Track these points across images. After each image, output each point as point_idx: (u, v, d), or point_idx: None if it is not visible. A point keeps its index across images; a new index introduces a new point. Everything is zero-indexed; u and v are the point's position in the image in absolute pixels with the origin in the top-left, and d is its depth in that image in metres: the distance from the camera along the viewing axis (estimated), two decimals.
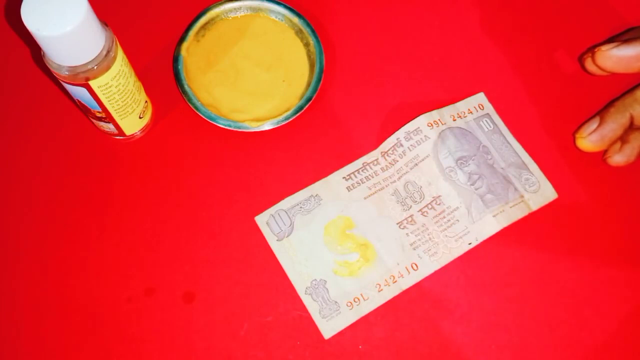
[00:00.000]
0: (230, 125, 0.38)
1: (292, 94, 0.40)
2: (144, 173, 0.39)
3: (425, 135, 0.39)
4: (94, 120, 0.37)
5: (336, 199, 0.38)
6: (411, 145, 0.39)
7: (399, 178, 0.38)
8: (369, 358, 0.35)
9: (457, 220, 0.37)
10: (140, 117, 0.38)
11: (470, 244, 0.37)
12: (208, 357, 0.35)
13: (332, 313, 0.36)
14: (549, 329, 0.36)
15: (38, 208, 0.38)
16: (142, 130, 0.39)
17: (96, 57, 0.31)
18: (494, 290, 0.37)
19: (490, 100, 0.40)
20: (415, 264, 0.37)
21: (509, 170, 0.38)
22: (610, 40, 0.40)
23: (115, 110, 0.35)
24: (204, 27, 0.41)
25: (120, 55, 0.33)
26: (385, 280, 0.36)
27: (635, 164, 0.38)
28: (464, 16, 0.43)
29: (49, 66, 0.32)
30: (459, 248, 0.37)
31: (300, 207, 0.38)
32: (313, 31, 0.41)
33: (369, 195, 0.38)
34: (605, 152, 0.38)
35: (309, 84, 0.39)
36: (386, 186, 0.38)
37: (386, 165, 0.39)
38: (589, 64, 0.38)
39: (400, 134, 0.39)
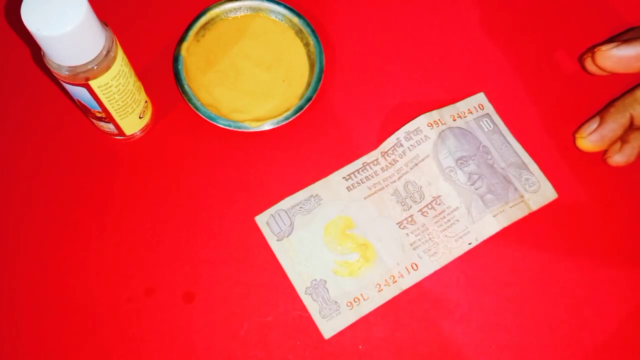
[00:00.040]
0: (230, 125, 0.38)
1: (292, 94, 0.40)
2: (144, 173, 0.39)
3: (425, 135, 0.39)
4: (94, 120, 0.37)
5: (336, 199, 0.38)
6: (411, 145, 0.39)
7: (399, 178, 0.38)
8: (369, 358, 0.35)
9: (457, 220, 0.37)
10: (140, 117, 0.38)
11: (470, 244, 0.37)
12: (208, 357, 0.35)
13: (332, 313, 0.36)
14: (549, 329, 0.36)
15: (38, 208, 0.38)
16: (142, 130, 0.39)
17: (96, 57, 0.31)
18: (494, 290, 0.37)
19: (490, 100, 0.40)
20: (415, 264, 0.37)
21: (509, 170, 0.38)
22: (610, 40, 0.40)
23: (115, 110, 0.35)
24: (204, 27, 0.41)
25: (120, 55, 0.33)
26: (385, 280, 0.36)
27: (635, 164, 0.38)
28: (464, 16, 0.43)
29: (49, 66, 0.32)
30: (459, 248, 0.37)
31: (300, 207, 0.38)
32: (313, 31, 0.41)
33: (369, 195, 0.38)
34: (605, 152, 0.38)
35: (309, 84, 0.39)
36: (386, 186, 0.38)
37: (386, 165, 0.39)
38: (589, 64, 0.38)
39: (400, 134, 0.39)
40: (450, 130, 0.39)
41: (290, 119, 0.38)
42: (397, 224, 0.37)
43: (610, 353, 0.35)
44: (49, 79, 0.41)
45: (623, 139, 0.38)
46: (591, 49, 0.38)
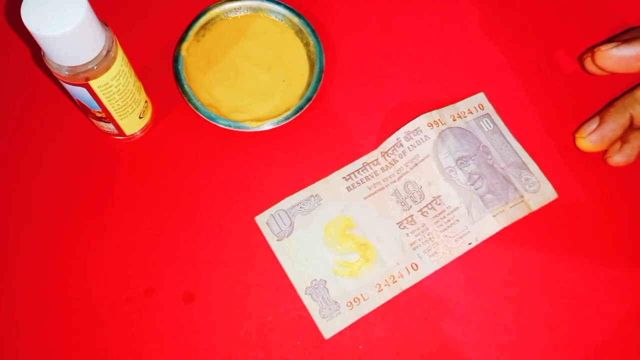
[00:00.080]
0: (230, 125, 0.38)
1: (292, 94, 0.40)
2: (144, 173, 0.39)
3: (425, 135, 0.39)
4: (94, 120, 0.37)
5: (336, 199, 0.38)
6: (411, 145, 0.39)
7: (399, 178, 0.38)
8: (369, 358, 0.35)
9: (457, 220, 0.37)
10: (140, 117, 0.38)
11: (470, 244, 0.37)
12: (208, 357, 0.35)
13: (332, 313, 0.36)
14: (549, 329, 0.36)
15: (38, 208, 0.38)
16: (142, 130, 0.39)
17: (96, 57, 0.31)
18: (494, 290, 0.37)
19: (490, 100, 0.40)
20: (415, 264, 0.37)
21: (509, 170, 0.38)
22: (610, 40, 0.40)
23: (115, 110, 0.35)
24: (204, 27, 0.41)
25: (120, 55, 0.33)
26: (385, 280, 0.36)
27: (635, 164, 0.38)
28: (464, 16, 0.43)
29: (49, 66, 0.32)
30: (459, 248, 0.37)
31: (300, 207, 0.38)
32: (313, 31, 0.41)
33: (369, 195, 0.38)
34: (605, 152, 0.38)
35: (309, 84, 0.39)
36: (386, 186, 0.38)
37: (386, 165, 0.39)
38: (589, 64, 0.38)
39: (400, 134, 0.39)
40: (450, 130, 0.39)
41: (290, 119, 0.38)
42: (397, 224, 0.37)
43: (610, 353, 0.35)
44: (49, 79, 0.41)
45: (623, 139, 0.38)
46: (591, 49, 0.38)
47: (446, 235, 0.37)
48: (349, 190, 0.38)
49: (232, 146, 0.39)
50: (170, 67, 0.41)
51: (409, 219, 0.37)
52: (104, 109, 0.35)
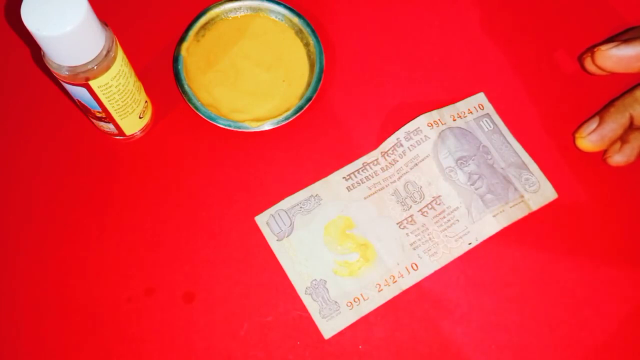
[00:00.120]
0: (230, 125, 0.38)
1: (292, 94, 0.40)
2: (144, 173, 0.39)
3: (425, 135, 0.39)
4: (94, 120, 0.37)
5: (336, 199, 0.38)
6: (411, 145, 0.39)
7: (399, 178, 0.38)
8: (369, 358, 0.35)
9: (457, 220, 0.37)
10: (140, 117, 0.38)
11: (470, 244, 0.37)
12: (208, 357, 0.35)
13: (332, 313, 0.36)
14: (549, 329, 0.36)
15: (38, 208, 0.38)
16: (142, 130, 0.39)
17: (96, 57, 0.31)
18: (494, 290, 0.37)
19: (490, 100, 0.40)
20: (415, 264, 0.37)
21: (509, 170, 0.38)
22: (610, 40, 0.40)
23: (115, 110, 0.35)
24: (204, 27, 0.41)
25: (120, 55, 0.33)
26: (385, 280, 0.36)
27: (635, 164, 0.38)
28: (464, 16, 0.43)
29: (49, 66, 0.32)
30: (459, 248, 0.37)
31: (300, 207, 0.38)
32: (313, 31, 0.41)
33: (369, 195, 0.38)
34: (605, 152, 0.38)
35: (309, 84, 0.40)
36: (386, 186, 0.38)
37: (386, 165, 0.39)
38: (589, 64, 0.38)
39: (400, 134, 0.39)
40: (450, 130, 0.39)
41: (290, 119, 0.38)
42: (397, 224, 0.37)
43: (610, 353, 0.35)
44: (49, 79, 0.41)
45: (623, 139, 0.38)
46: (591, 49, 0.38)
47: (446, 235, 0.37)
48: (349, 190, 0.38)
49: (232, 146, 0.39)
50: (170, 67, 0.41)
51: (409, 219, 0.37)
52: (104, 109, 0.35)
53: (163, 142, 0.40)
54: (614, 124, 0.37)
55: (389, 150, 0.39)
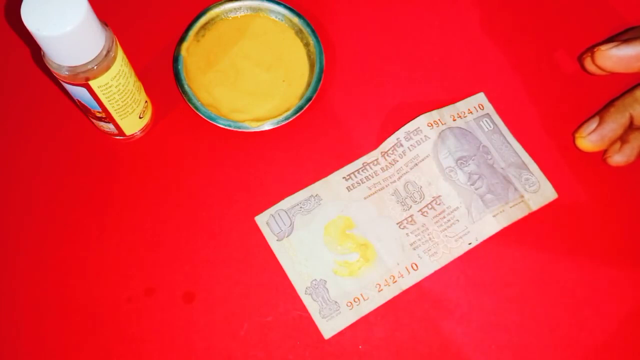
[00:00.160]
0: (230, 125, 0.38)
1: (292, 94, 0.40)
2: (144, 173, 0.39)
3: (425, 135, 0.39)
4: (94, 120, 0.37)
5: (336, 199, 0.38)
6: (411, 145, 0.39)
7: (399, 178, 0.38)
8: (369, 358, 0.35)
9: (457, 220, 0.37)
10: (140, 117, 0.38)
11: (470, 244, 0.37)
12: (208, 357, 0.35)
13: (332, 313, 0.36)
14: (549, 329, 0.36)
15: (38, 208, 0.38)
16: (142, 130, 0.39)
17: (96, 57, 0.31)
18: (494, 290, 0.37)
19: (490, 100, 0.40)
20: (415, 264, 0.37)
21: (509, 170, 0.38)
22: (610, 40, 0.40)
23: (115, 110, 0.35)
24: (204, 27, 0.41)
25: (120, 55, 0.33)
26: (385, 280, 0.36)
27: (635, 164, 0.38)
28: (464, 16, 0.43)
29: (49, 66, 0.32)
30: (459, 248, 0.37)
31: (300, 207, 0.38)
32: (313, 31, 0.41)
33: (369, 195, 0.38)
34: (605, 152, 0.38)
35: (309, 84, 0.40)
36: (386, 186, 0.38)
37: (386, 165, 0.39)
38: (589, 64, 0.38)
39: (400, 134, 0.39)
40: (450, 130, 0.39)
41: (290, 119, 0.38)
42: (397, 224, 0.37)
43: (610, 353, 0.35)
44: (49, 79, 0.41)
45: (623, 138, 0.38)
46: (591, 49, 0.38)
47: (446, 235, 0.37)
48: (349, 190, 0.38)
49: (232, 146, 0.39)
50: (170, 67, 0.41)
51: (409, 219, 0.37)
52: (104, 109, 0.35)
53: (163, 142, 0.40)
54: (614, 124, 0.37)
55: (389, 150, 0.39)
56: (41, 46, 0.30)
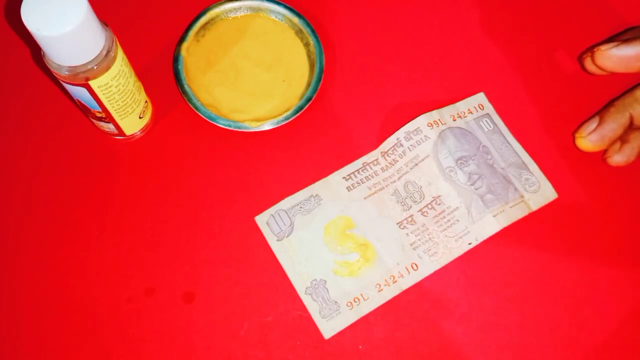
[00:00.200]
0: (230, 125, 0.38)
1: (292, 94, 0.40)
2: (144, 173, 0.39)
3: (425, 135, 0.39)
4: (94, 120, 0.37)
5: (336, 199, 0.38)
6: (411, 145, 0.39)
7: (399, 178, 0.38)
8: (369, 358, 0.35)
9: (457, 220, 0.37)
10: (140, 117, 0.38)
11: (470, 244, 0.37)
12: (208, 357, 0.35)
13: (332, 313, 0.36)
14: (549, 329, 0.36)
15: (38, 208, 0.38)
16: (142, 130, 0.39)
17: (96, 57, 0.31)
18: (494, 290, 0.37)
19: (490, 100, 0.40)
20: (415, 264, 0.37)
21: (509, 170, 0.38)
22: (610, 40, 0.40)
23: (115, 110, 0.35)
24: (204, 27, 0.41)
25: (120, 55, 0.33)
26: (385, 280, 0.36)
27: (635, 164, 0.38)
28: (464, 16, 0.43)
29: (49, 66, 0.32)
30: (459, 248, 0.37)
31: (300, 207, 0.38)
32: (313, 31, 0.41)
33: (369, 195, 0.38)
34: (605, 152, 0.38)
35: (309, 84, 0.40)
36: (386, 186, 0.38)
37: (386, 165, 0.39)
38: (589, 64, 0.38)
39: (400, 134, 0.39)
40: (450, 130, 0.39)
41: (290, 119, 0.38)
42: (397, 224, 0.37)
43: (610, 353, 0.35)
44: (49, 79, 0.41)
45: (623, 138, 0.38)
46: (591, 49, 0.38)
47: (446, 235, 0.37)
48: (349, 190, 0.38)
49: (232, 146, 0.39)
50: (170, 67, 0.41)
51: (409, 219, 0.37)
52: (104, 109, 0.35)
53: (163, 142, 0.40)
54: (614, 123, 0.37)
55: (389, 150, 0.39)
56: (41, 46, 0.30)
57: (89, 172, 0.39)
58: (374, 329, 0.36)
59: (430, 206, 0.38)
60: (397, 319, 0.36)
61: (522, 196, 0.38)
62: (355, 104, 0.41)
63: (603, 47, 0.37)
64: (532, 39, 0.42)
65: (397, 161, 0.39)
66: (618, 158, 0.37)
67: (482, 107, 0.40)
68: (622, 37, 0.39)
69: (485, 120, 0.40)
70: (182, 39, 0.40)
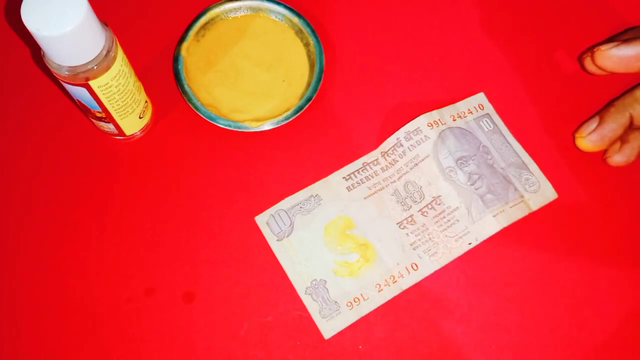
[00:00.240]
0: (230, 125, 0.38)
1: (292, 94, 0.40)
2: (144, 173, 0.39)
3: (425, 135, 0.39)
4: (94, 120, 0.37)
5: (336, 199, 0.38)
6: (411, 145, 0.39)
7: (399, 178, 0.38)
8: (369, 358, 0.35)
9: (457, 220, 0.37)
10: (140, 117, 0.38)
11: (470, 244, 0.37)
12: (208, 357, 0.35)
13: (332, 313, 0.36)
14: (549, 329, 0.36)
15: (38, 208, 0.38)
16: (142, 130, 0.39)
17: (96, 57, 0.31)
18: (494, 290, 0.37)
19: (490, 100, 0.40)
20: (415, 264, 0.37)
21: (509, 170, 0.38)
22: (610, 40, 0.40)
23: (115, 110, 0.35)
24: (204, 27, 0.41)
25: (120, 55, 0.33)
26: (385, 280, 0.36)
27: (635, 164, 0.38)
28: (464, 16, 0.43)
29: (49, 66, 0.32)
30: (459, 248, 0.37)
31: (300, 207, 0.38)
32: (313, 31, 0.41)
33: (369, 195, 0.38)
34: (605, 152, 0.38)
35: (309, 84, 0.40)
36: (386, 186, 0.38)
37: (386, 165, 0.39)
38: (589, 64, 0.38)
39: (400, 134, 0.39)
40: (450, 130, 0.39)
41: (290, 119, 0.38)
42: (397, 224, 0.37)
43: (610, 353, 0.35)
44: (49, 79, 0.41)
45: (623, 138, 0.38)
46: (591, 49, 0.38)
47: (446, 235, 0.37)
48: (349, 190, 0.38)
49: (232, 146, 0.39)
50: (170, 67, 0.41)
51: (409, 219, 0.37)
52: (104, 109, 0.35)
53: (163, 142, 0.40)
54: (614, 123, 0.37)
55: (389, 150, 0.39)
56: (41, 46, 0.30)
57: (89, 172, 0.39)
58: (374, 329, 0.36)
59: (430, 206, 0.38)
60: (397, 319, 0.36)
61: (522, 196, 0.38)
62: (355, 104, 0.41)
63: (603, 47, 0.37)
64: (532, 39, 0.42)
65: (397, 161, 0.39)
66: (618, 158, 0.37)
67: (482, 107, 0.40)
68: (622, 37, 0.39)
69: (485, 120, 0.40)
70: (182, 39, 0.40)
